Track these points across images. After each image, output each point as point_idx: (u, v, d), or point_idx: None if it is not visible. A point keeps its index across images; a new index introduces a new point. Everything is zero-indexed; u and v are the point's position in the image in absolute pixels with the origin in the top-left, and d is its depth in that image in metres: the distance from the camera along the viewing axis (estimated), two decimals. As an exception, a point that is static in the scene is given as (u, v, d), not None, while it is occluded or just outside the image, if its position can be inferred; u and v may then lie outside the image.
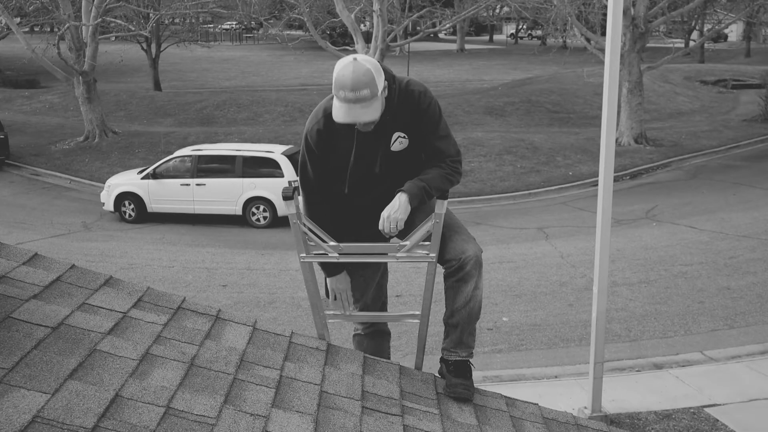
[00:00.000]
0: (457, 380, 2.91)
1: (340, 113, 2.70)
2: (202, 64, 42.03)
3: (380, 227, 2.81)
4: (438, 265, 2.94)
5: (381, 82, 2.70)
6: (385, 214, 2.79)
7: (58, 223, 14.51)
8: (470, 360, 3.03)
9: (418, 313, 3.09)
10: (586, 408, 5.94)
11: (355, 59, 2.68)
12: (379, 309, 3.40)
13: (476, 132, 21.90)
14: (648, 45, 22.98)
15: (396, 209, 2.77)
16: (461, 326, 2.98)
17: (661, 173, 18.58)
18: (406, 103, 2.84)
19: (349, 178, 2.93)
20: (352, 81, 2.63)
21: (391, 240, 2.94)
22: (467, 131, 21.82)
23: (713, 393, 6.68)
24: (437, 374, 3.09)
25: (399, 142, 2.88)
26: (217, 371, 2.39)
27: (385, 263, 3.29)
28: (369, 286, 3.26)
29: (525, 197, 16.89)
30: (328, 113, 2.85)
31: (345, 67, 2.66)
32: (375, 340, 3.39)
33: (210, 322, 2.72)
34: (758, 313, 8.69)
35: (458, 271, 2.88)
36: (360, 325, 3.40)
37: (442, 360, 3.06)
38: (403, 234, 2.89)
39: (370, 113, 2.68)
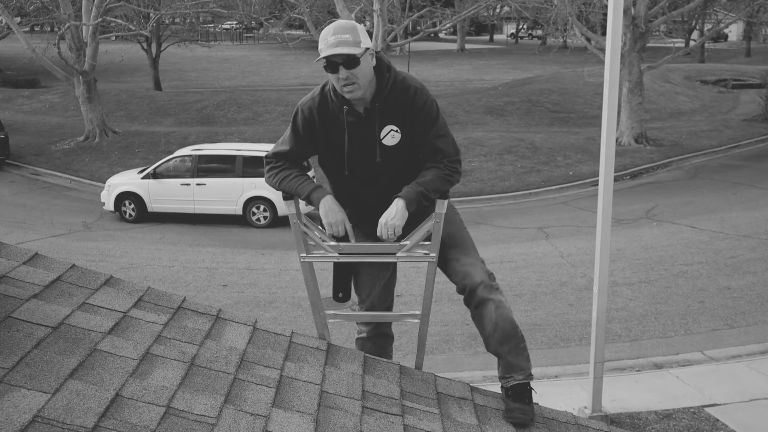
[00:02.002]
0: (515, 404, 2.87)
1: (326, 49, 2.70)
2: (202, 64, 42.03)
3: (378, 233, 2.80)
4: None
5: (365, 39, 2.74)
6: (382, 220, 2.78)
7: (58, 223, 14.52)
8: (530, 383, 2.95)
9: (418, 312, 3.07)
10: (586, 408, 5.94)
11: None
12: (385, 311, 3.34)
13: (476, 132, 21.90)
14: (648, 45, 23.00)
15: (393, 216, 2.76)
16: (502, 351, 2.93)
17: (661, 173, 18.58)
18: (400, 97, 2.82)
19: (347, 162, 2.91)
20: (334, 27, 2.74)
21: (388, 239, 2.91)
22: (467, 131, 21.82)
23: (713, 393, 6.68)
24: (437, 374, 3.08)
25: (391, 135, 2.85)
26: (218, 371, 2.39)
27: (395, 265, 3.25)
28: (376, 285, 3.20)
29: (525, 197, 16.89)
30: (324, 91, 2.87)
31: (329, 25, 2.80)
32: (377, 343, 3.32)
33: (210, 322, 2.72)
34: (758, 313, 8.69)
35: (470, 299, 2.89)
36: (364, 327, 3.32)
37: (501, 387, 3.01)
38: (403, 234, 2.88)
39: (352, 52, 2.68)
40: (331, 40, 2.69)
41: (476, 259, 2.95)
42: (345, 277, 3.12)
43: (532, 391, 2.96)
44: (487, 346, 2.98)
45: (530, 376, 2.96)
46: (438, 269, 2.99)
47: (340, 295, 3.12)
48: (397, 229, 2.76)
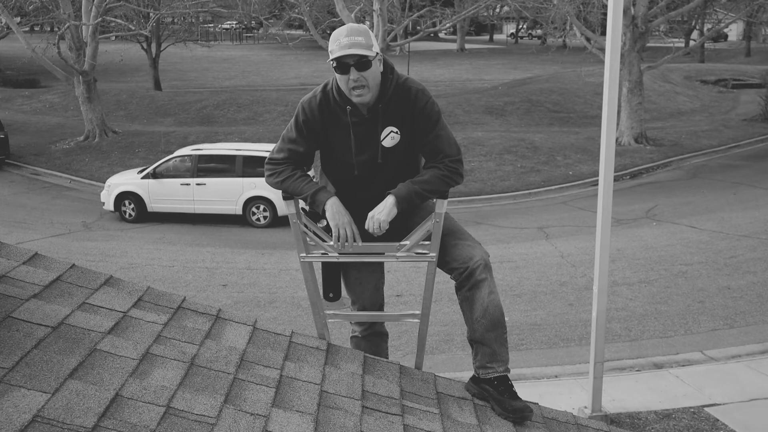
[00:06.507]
0: (519, 403, 2.83)
1: (338, 50, 2.70)
2: (202, 64, 42.01)
3: (365, 226, 2.82)
4: (445, 273, 2.90)
5: (375, 45, 2.76)
6: (370, 214, 2.80)
7: (58, 223, 14.51)
8: (508, 375, 2.91)
9: (418, 312, 3.07)
10: (586, 407, 5.94)
11: None
12: (376, 311, 3.36)
13: (476, 132, 21.90)
14: (648, 44, 22.99)
15: (380, 211, 2.78)
16: (488, 338, 2.88)
17: (661, 173, 18.58)
18: (402, 98, 2.84)
19: (356, 164, 2.90)
20: (348, 29, 2.75)
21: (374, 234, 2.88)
22: (467, 131, 21.82)
23: (713, 392, 6.68)
24: (436, 374, 3.08)
25: (391, 137, 2.86)
26: (218, 371, 2.39)
27: (382, 266, 3.26)
28: (365, 288, 3.20)
29: (525, 197, 16.88)
30: (327, 90, 2.87)
31: (341, 27, 2.80)
32: (372, 341, 3.33)
33: (210, 322, 2.72)
34: (758, 313, 8.69)
35: (468, 279, 2.84)
36: (357, 327, 3.34)
37: (477, 380, 2.94)
38: (403, 234, 2.88)
39: (365, 53, 2.69)
40: (344, 41, 2.70)
41: (473, 241, 2.94)
42: (333, 277, 3.13)
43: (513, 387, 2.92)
44: (472, 332, 2.91)
45: (508, 370, 2.93)
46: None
47: (331, 295, 3.14)
48: (382, 224, 2.77)
